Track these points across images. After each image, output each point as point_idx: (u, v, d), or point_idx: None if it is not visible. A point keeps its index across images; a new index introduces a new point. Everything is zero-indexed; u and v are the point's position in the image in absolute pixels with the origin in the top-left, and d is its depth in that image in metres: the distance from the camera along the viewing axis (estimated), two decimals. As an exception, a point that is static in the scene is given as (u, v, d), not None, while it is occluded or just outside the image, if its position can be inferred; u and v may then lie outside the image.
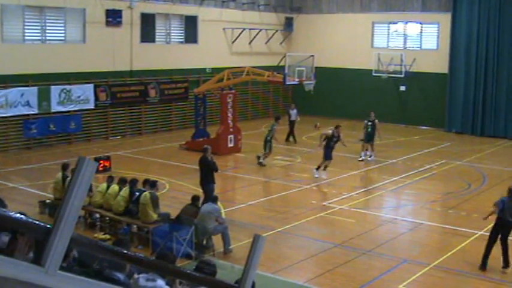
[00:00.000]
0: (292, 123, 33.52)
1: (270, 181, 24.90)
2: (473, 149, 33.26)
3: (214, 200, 16.75)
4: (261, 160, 27.23)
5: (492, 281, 14.88)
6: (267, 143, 27.50)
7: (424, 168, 27.74)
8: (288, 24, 44.82)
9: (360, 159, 29.08)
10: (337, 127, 25.67)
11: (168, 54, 36.54)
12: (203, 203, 17.27)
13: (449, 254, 16.63)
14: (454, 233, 18.69)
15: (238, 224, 18.55)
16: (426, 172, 27.16)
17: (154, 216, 16.68)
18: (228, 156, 28.53)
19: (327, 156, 25.09)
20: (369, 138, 29.34)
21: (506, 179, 26.21)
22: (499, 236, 15.40)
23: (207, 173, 19.32)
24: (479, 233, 18.50)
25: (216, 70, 35.25)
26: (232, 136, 29.82)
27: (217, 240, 16.35)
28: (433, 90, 40.39)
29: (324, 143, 25.19)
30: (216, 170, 19.43)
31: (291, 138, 33.41)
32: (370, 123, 29.62)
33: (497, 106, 38.00)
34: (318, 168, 25.11)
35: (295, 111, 33.62)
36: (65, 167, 19.11)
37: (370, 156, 29.26)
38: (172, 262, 10.08)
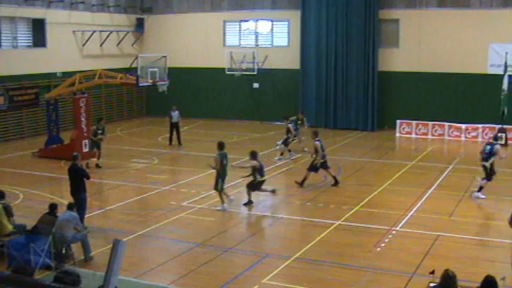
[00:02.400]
0: (174, 126, 32.83)
1: (128, 184, 24.54)
2: (327, 142, 33.96)
3: (71, 207, 16.26)
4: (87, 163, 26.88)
5: (352, 268, 15.29)
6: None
7: (281, 163, 28.22)
8: (139, 25, 44.39)
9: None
10: None
11: (16, 59, 35.22)
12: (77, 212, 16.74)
13: (310, 245, 16.98)
14: (313, 225, 19.11)
15: (97, 230, 18.17)
16: (283, 167, 27.63)
17: (10, 227, 16.03)
18: (83, 161, 27.86)
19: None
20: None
21: (359, 169, 27.18)
22: None
23: (79, 182, 18.54)
24: (337, 222, 19.02)
25: (67, 74, 34.32)
26: (86, 141, 29.15)
27: (77, 248, 15.94)
28: (286, 86, 41.24)
29: None
30: (88, 178, 18.75)
31: (174, 141, 32.79)
32: (299, 122, 31.23)
33: (348, 99, 39.34)
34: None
35: (176, 112, 32.79)
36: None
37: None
38: (31, 275, 9.71)
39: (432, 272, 11.70)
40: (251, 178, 21.40)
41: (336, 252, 16.49)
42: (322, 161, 24.11)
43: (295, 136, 29.52)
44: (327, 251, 16.55)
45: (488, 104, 35.67)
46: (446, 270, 10.45)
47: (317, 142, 24.10)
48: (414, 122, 37.20)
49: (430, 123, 36.79)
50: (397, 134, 36.97)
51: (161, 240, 17.80)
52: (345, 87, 39.45)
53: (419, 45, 37.86)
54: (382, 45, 38.86)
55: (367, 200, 21.88)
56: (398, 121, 37.41)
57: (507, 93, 34.20)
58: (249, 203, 21.31)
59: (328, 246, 16.99)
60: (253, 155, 21.30)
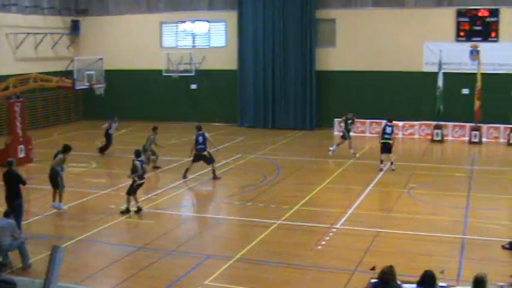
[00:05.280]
0: (110, 136, 31.86)
1: (66, 189, 24.13)
2: (266, 141, 34.26)
3: (8, 214, 15.91)
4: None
5: (294, 267, 15.33)
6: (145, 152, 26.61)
7: (221, 164, 28.14)
8: (75, 27, 43.72)
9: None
10: None
11: None
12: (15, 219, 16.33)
13: (251, 245, 16.96)
14: (254, 225, 19.09)
15: (36, 236, 17.83)
16: (223, 167, 27.57)
17: None
18: (20, 166, 27.28)
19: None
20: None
21: (299, 168, 27.29)
22: None
23: (15, 187, 18.10)
24: (278, 222, 19.06)
25: (1, 78, 33.58)
26: (22, 146, 28.63)
27: (14, 256, 15.61)
28: (224, 87, 41.22)
29: None
30: (24, 183, 18.31)
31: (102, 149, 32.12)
32: (350, 121, 30.71)
33: (286, 99, 39.51)
34: None
35: (116, 124, 32.00)
36: None
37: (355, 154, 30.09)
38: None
39: (373, 268, 11.81)
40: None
41: (277, 251, 16.52)
42: (200, 153, 25.26)
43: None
44: (268, 251, 16.56)
45: (424, 102, 36.27)
46: (386, 266, 10.58)
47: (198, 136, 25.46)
48: (352, 120, 37.56)
49: (368, 121, 37.23)
50: (335, 133, 37.27)
51: (102, 245, 17.56)
52: (283, 86, 39.62)
53: (355, 44, 38.28)
54: (319, 44, 39.17)
55: (307, 198, 22.00)
56: (335, 120, 37.74)
57: (442, 90, 34.86)
58: (126, 211, 20.40)
59: (270, 246, 17.01)
60: (137, 154, 20.96)
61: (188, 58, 41.04)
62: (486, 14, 36.28)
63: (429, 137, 35.48)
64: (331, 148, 30.44)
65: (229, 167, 27.67)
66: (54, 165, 20.72)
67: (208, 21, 41.69)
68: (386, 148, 27.09)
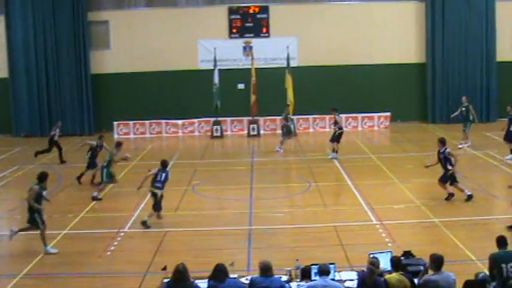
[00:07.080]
0: (57, 143, 29.95)
1: None
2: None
3: None
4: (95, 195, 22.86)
5: (86, 276, 15.01)
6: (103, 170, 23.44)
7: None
8: None
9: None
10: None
11: None
12: None
13: (37, 258, 16.34)
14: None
15: None
16: (2, 180, 26.38)
17: None
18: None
19: None
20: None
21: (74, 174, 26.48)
22: None
23: None
24: (64, 232, 18.59)
25: None
26: None
27: None
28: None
29: None
30: None
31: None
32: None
33: (62, 105, 38.53)
34: None
35: (58, 130, 30.06)
36: None
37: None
38: None
39: (164, 268, 11.86)
40: None
41: (66, 262, 16.05)
42: None
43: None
44: (56, 262, 16.07)
45: (202, 99, 36.87)
46: (178, 265, 10.67)
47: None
48: (131, 122, 37.50)
49: (147, 122, 37.32)
50: (115, 136, 36.95)
51: None
52: (58, 92, 38.56)
53: (131, 45, 38.15)
54: (93, 47, 38.56)
55: (91, 205, 21.60)
56: (115, 123, 37.45)
57: (218, 86, 35.67)
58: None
59: (58, 257, 16.48)
60: (164, 164, 19.53)
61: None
62: (257, 10, 37.77)
63: (209, 133, 36.25)
64: (278, 149, 30.89)
65: (7, 180, 26.47)
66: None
67: (-28, 28, 39.54)
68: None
